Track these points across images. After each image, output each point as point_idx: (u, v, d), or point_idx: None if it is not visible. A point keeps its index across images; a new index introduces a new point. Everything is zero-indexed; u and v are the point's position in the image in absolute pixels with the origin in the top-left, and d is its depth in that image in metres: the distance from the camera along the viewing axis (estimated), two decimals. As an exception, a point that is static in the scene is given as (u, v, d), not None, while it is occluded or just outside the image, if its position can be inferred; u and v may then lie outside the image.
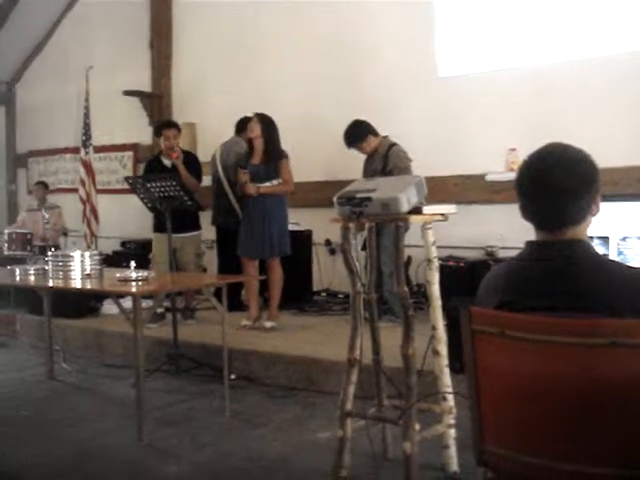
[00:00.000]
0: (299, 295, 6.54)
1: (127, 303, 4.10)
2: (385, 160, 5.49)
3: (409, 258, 5.74)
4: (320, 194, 6.32)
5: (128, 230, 8.38)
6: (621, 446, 1.54)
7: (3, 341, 6.39)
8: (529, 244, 1.80)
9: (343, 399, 3.05)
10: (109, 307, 6.28)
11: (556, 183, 1.69)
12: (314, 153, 6.80)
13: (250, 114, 5.62)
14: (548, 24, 5.80)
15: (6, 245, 7.55)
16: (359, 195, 2.87)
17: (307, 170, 6.45)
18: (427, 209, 2.91)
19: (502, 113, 5.93)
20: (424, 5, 6.42)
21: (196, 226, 6.07)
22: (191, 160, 5.99)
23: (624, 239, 3.12)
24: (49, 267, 4.36)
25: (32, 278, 4.46)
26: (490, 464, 1.78)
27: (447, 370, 3.07)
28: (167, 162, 5.93)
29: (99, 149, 8.71)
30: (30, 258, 6.71)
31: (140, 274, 4.02)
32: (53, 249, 4.90)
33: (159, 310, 5.57)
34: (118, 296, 4.14)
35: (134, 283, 3.94)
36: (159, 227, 5.81)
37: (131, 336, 3.85)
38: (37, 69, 10.10)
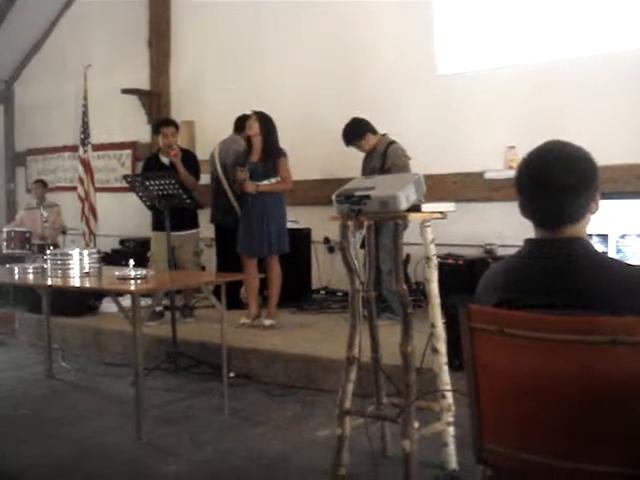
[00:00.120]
0: (298, 293, 6.55)
1: (126, 301, 4.09)
2: (384, 158, 5.49)
3: (408, 256, 5.74)
4: (319, 192, 6.32)
5: (127, 228, 8.38)
6: (621, 444, 1.54)
7: (2, 340, 6.38)
8: (528, 242, 1.80)
9: (342, 397, 3.05)
10: (108, 305, 6.28)
11: (555, 181, 1.69)
12: (313, 151, 6.79)
13: (249, 112, 5.61)
14: (547, 22, 5.80)
15: (5, 243, 7.54)
16: (358, 193, 2.86)
17: (306, 168, 6.45)
18: (426, 207, 2.90)
19: (501, 111, 5.93)
20: (423, 3, 6.41)
21: (194, 224, 6.07)
22: (189, 158, 5.99)
23: (623, 237, 3.12)
24: (48, 265, 4.36)
25: (31, 276, 4.46)
26: (489, 462, 1.78)
27: (446, 368, 3.07)
28: (165, 160, 5.93)
29: (98, 147, 8.70)
30: (29, 256, 6.73)
31: (139, 272, 4.02)
32: (52, 247, 4.91)
33: (158, 308, 5.57)
34: (117, 294, 4.14)
35: (133, 281, 3.94)
36: (157, 225, 5.81)
37: (130, 334, 3.85)
38: (35, 67, 10.09)
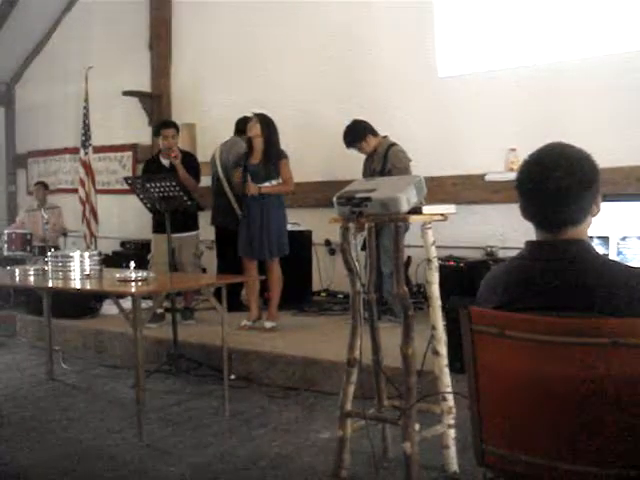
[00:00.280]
0: (299, 295, 6.54)
1: (127, 303, 4.10)
2: (384, 160, 5.49)
3: (409, 258, 5.74)
4: (320, 194, 6.33)
5: (128, 230, 8.39)
6: (621, 446, 1.54)
7: (3, 341, 6.38)
8: (529, 244, 1.80)
9: (343, 399, 3.05)
10: (109, 307, 6.27)
11: (556, 183, 1.69)
12: (314, 153, 6.80)
13: (249, 114, 5.62)
14: (548, 24, 5.80)
15: (6, 245, 7.55)
16: (359, 195, 2.87)
17: (307, 170, 6.45)
18: (427, 209, 2.90)
19: (502, 113, 5.93)
20: (424, 6, 6.41)
21: (194, 226, 6.07)
22: (189, 160, 5.99)
23: (624, 239, 3.12)
24: (49, 267, 4.36)
25: (32, 278, 4.46)
26: (490, 464, 1.78)
27: (447, 370, 3.07)
28: (165, 162, 5.94)
29: (98, 149, 8.70)
30: (30, 258, 6.74)
31: (140, 274, 4.02)
32: (53, 249, 4.90)
33: (159, 310, 5.56)
34: (118, 296, 4.14)
35: (134, 283, 3.94)
36: (157, 227, 5.82)
37: (131, 336, 3.85)
38: (36, 70, 10.10)
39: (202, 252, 6.53)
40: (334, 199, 2.96)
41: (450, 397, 3.05)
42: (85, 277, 4.27)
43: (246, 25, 7.57)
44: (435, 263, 3.05)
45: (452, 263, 5.52)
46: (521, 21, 5.94)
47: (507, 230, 5.65)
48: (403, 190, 2.80)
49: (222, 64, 7.82)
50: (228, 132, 6.49)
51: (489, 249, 5.86)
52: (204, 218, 6.31)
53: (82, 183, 8.33)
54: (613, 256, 3.06)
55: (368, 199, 2.82)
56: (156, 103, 8.46)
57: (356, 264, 3.01)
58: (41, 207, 7.99)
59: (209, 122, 7.74)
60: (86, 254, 4.37)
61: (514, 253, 1.88)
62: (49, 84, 9.55)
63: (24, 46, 9.93)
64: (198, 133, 8.02)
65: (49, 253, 4.46)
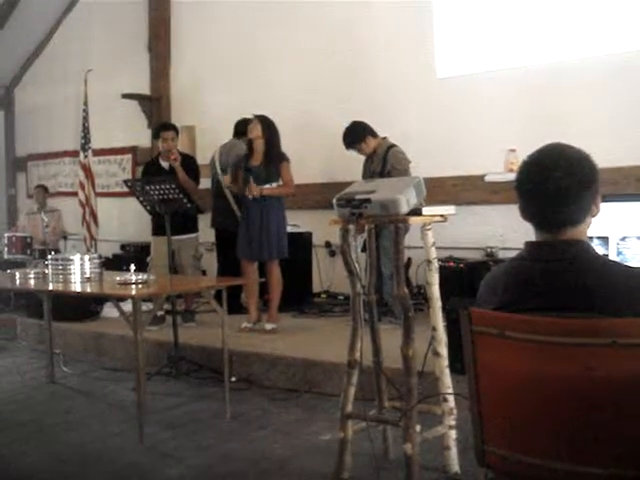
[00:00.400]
0: (299, 297, 6.54)
1: (127, 306, 4.10)
2: (384, 161, 5.49)
3: (409, 259, 5.74)
4: (320, 196, 6.33)
5: (128, 233, 8.39)
6: (622, 447, 1.54)
7: (3, 345, 6.38)
8: (529, 244, 1.80)
9: (344, 401, 3.05)
10: (109, 310, 6.27)
11: (556, 183, 1.69)
12: (313, 155, 6.80)
13: (249, 116, 5.62)
14: (547, 24, 5.80)
15: (6, 249, 7.55)
16: (358, 197, 2.87)
17: (306, 172, 6.45)
18: (426, 210, 2.91)
19: (501, 113, 5.93)
20: (422, 6, 6.42)
21: (194, 228, 6.06)
22: (189, 162, 6.00)
23: (623, 239, 3.12)
24: (49, 271, 4.37)
25: (32, 282, 4.46)
26: (491, 465, 1.78)
27: (447, 371, 3.07)
28: (165, 164, 5.93)
29: (98, 152, 8.70)
30: (30, 262, 6.74)
31: (140, 277, 4.02)
32: (53, 253, 4.91)
33: (159, 313, 5.56)
34: (118, 299, 4.14)
35: (134, 286, 3.94)
36: (157, 230, 5.82)
37: (131, 339, 3.84)
38: (36, 72, 10.11)
39: (202, 254, 6.53)
40: (334, 201, 2.96)
41: (451, 398, 3.05)
42: (85, 280, 4.27)
43: (246, 25, 7.58)
44: (435, 264, 3.05)
45: (452, 264, 5.52)
46: (521, 21, 5.94)
47: (507, 231, 5.65)
48: (403, 191, 2.81)
49: (222, 64, 7.82)
50: (227, 134, 6.50)
51: (489, 250, 5.86)
52: (204, 220, 6.31)
53: (82, 186, 8.34)
54: (613, 256, 3.06)
55: (368, 200, 2.83)
56: (155, 105, 8.47)
57: (356, 265, 3.01)
58: (41, 210, 8.00)
59: (208, 124, 7.75)
60: (86, 257, 4.37)
61: (514, 254, 1.88)
62: (49, 87, 9.56)
63: (24, 49, 9.94)
64: (197, 135, 8.03)
65: (49, 256, 4.47)
